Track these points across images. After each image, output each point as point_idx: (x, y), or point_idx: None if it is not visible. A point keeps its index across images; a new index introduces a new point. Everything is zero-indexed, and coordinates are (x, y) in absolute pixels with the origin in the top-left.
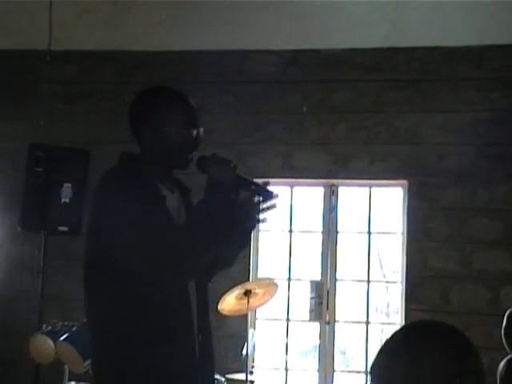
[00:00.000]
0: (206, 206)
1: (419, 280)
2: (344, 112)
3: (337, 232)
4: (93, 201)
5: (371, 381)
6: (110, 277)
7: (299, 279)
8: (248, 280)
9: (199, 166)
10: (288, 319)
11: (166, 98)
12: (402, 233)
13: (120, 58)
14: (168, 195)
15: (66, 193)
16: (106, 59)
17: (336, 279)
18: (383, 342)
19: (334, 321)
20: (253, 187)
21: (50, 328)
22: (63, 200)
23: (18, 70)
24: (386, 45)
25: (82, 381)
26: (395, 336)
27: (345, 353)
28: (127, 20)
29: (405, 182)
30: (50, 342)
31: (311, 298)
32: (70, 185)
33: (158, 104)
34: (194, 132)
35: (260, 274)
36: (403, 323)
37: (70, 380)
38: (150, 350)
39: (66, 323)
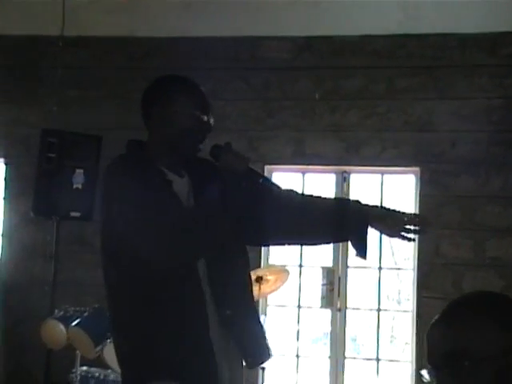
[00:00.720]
0: (217, 191)
1: (431, 267)
2: (356, 98)
3: None
4: (101, 189)
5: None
6: (121, 263)
7: (311, 266)
8: (259, 266)
9: (212, 154)
10: (299, 306)
11: (179, 84)
12: None
13: (133, 44)
14: (175, 180)
15: (79, 178)
16: (119, 45)
17: (347, 266)
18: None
19: (346, 308)
20: (261, 180)
21: (61, 313)
22: (75, 186)
23: (31, 55)
24: (399, 31)
25: (94, 366)
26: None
27: (356, 340)
28: (140, 6)
29: (417, 169)
30: (61, 327)
31: (322, 285)
32: (82, 170)
33: (171, 88)
34: (205, 117)
35: (271, 261)
36: (415, 311)
37: (81, 365)
38: (163, 333)
39: (77, 309)
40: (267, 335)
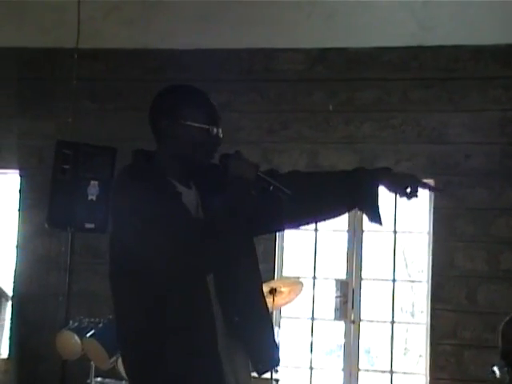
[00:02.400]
0: (227, 199)
1: (445, 279)
2: (370, 111)
3: (362, 231)
4: (111, 200)
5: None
6: (130, 275)
7: (325, 278)
8: (273, 278)
9: (222, 163)
10: (313, 318)
11: (189, 95)
12: (429, 232)
13: (147, 56)
14: (184, 192)
15: (93, 190)
16: (134, 57)
17: (361, 278)
18: None
19: (359, 320)
20: (271, 188)
21: (76, 324)
22: (90, 197)
23: (46, 67)
24: (413, 43)
25: (108, 377)
26: None
27: (369, 352)
28: (155, 18)
29: (431, 181)
30: (76, 338)
31: (336, 297)
32: (96, 182)
33: (180, 99)
34: (215, 129)
35: (285, 273)
36: (429, 323)
37: (96, 376)
38: (172, 344)
39: (92, 320)
40: (278, 343)
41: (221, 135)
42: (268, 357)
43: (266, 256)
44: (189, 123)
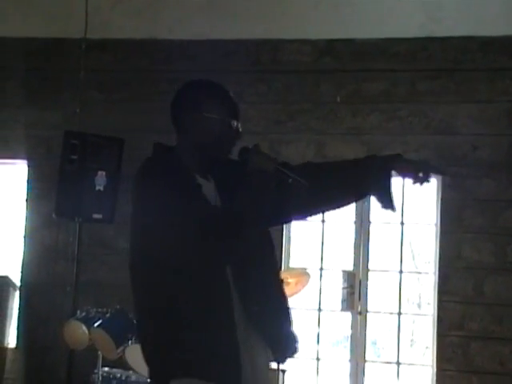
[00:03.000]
0: (247, 191)
1: (452, 271)
2: (378, 102)
3: (369, 222)
4: (133, 193)
5: None
6: (153, 264)
7: (331, 269)
8: (280, 269)
9: (241, 156)
10: (320, 309)
11: (210, 89)
12: (436, 224)
13: (155, 47)
14: (204, 184)
15: (100, 181)
16: (142, 48)
17: (368, 269)
18: None
19: (366, 311)
20: (290, 180)
21: (84, 314)
22: (97, 188)
23: (54, 58)
24: (421, 34)
25: (116, 367)
26: None
27: (376, 343)
28: (163, 9)
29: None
30: (84, 328)
31: (343, 288)
32: (104, 173)
33: (202, 93)
34: (235, 123)
35: (292, 264)
36: (436, 315)
37: (103, 366)
38: (191, 332)
39: (99, 310)
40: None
41: (240, 129)
42: (287, 346)
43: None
44: (210, 116)
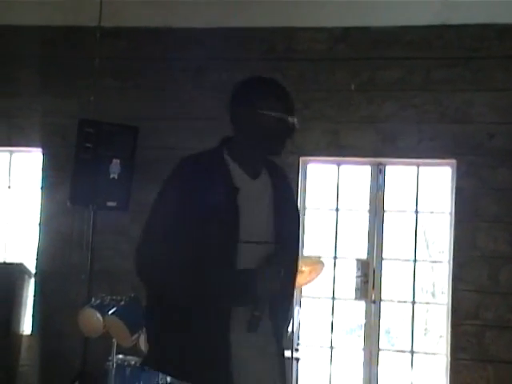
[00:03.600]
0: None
1: (467, 260)
2: (393, 90)
3: (384, 211)
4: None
5: None
6: (152, 259)
7: (345, 258)
8: (296, 261)
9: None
10: (334, 297)
11: (269, 86)
12: (451, 212)
13: (170, 35)
14: (245, 183)
15: (115, 168)
16: (156, 36)
17: (382, 258)
18: None
19: (380, 300)
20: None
21: (98, 302)
22: (112, 176)
23: (69, 46)
24: (436, 22)
25: (130, 354)
26: None
27: (389, 332)
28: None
29: (454, 161)
30: (98, 315)
31: (357, 277)
32: (118, 161)
33: (261, 89)
34: (291, 119)
35: (306, 252)
36: (450, 304)
37: (117, 353)
38: (181, 333)
39: (114, 297)
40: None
41: (297, 125)
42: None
43: None
44: (267, 112)
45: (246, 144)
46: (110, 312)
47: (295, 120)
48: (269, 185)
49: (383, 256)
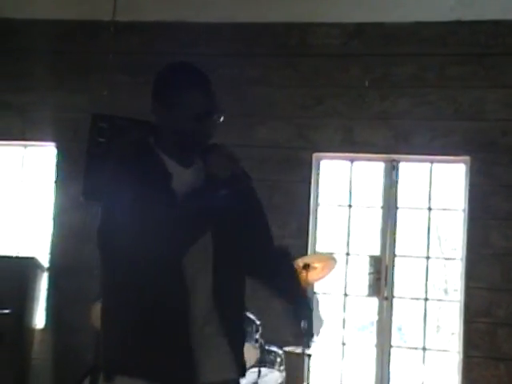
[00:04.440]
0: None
1: (480, 258)
2: (406, 86)
3: (396, 208)
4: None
5: None
6: (106, 248)
7: (358, 254)
8: (306, 254)
9: (205, 153)
10: (346, 294)
11: (185, 79)
12: (464, 210)
13: (183, 30)
14: (177, 172)
15: None
16: (169, 30)
17: (395, 255)
18: None
19: (392, 296)
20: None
21: None
22: None
23: (82, 40)
24: (451, 18)
25: None
26: None
27: (401, 329)
28: None
29: (467, 158)
30: None
31: (369, 273)
32: None
33: (176, 83)
34: (207, 120)
35: (319, 248)
36: (463, 301)
37: None
38: (136, 327)
39: None
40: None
41: (216, 123)
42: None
43: (299, 232)
44: (178, 111)
45: (166, 134)
46: None
47: (214, 120)
48: (203, 173)
49: (396, 253)
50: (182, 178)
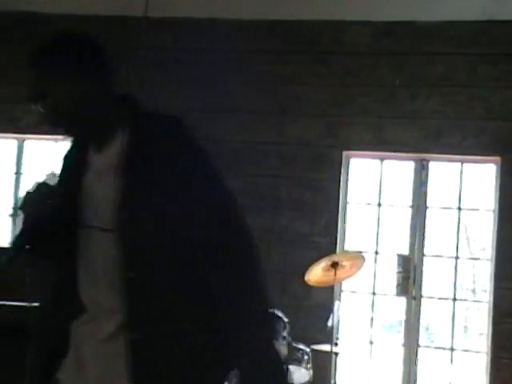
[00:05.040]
0: None
1: (509, 258)
2: (437, 85)
3: (426, 207)
4: None
5: None
6: None
7: (387, 253)
8: (335, 252)
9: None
10: (374, 293)
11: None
12: (494, 210)
13: (214, 26)
14: (94, 159)
15: None
16: (201, 27)
17: (424, 254)
18: None
19: (420, 296)
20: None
21: None
22: None
23: (114, 36)
24: (482, 17)
25: None
26: None
27: (428, 329)
28: None
29: (498, 158)
30: None
31: (398, 273)
32: None
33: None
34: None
35: (347, 247)
36: (492, 302)
37: None
38: None
39: None
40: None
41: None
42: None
43: (328, 230)
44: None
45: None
46: None
47: (41, 105)
48: (123, 154)
49: (424, 252)
50: (95, 164)
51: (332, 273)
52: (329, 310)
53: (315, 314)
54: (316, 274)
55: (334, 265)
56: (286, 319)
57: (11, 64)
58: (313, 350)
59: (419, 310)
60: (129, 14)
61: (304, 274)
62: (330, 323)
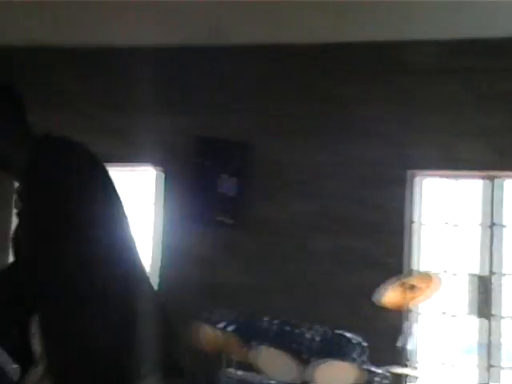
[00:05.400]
0: None
1: None
2: (508, 102)
3: (503, 226)
4: None
5: None
6: None
7: (464, 273)
8: (401, 273)
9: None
10: (452, 314)
11: None
12: None
13: (277, 52)
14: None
15: (231, 186)
16: (264, 53)
17: (503, 274)
18: None
19: (501, 317)
20: None
21: (212, 316)
22: (229, 194)
23: (180, 65)
24: None
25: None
26: None
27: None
28: (286, 12)
29: None
30: (212, 330)
31: (475, 293)
32: (235, 178)
33: None
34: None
35: (423, 268)
36: None
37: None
38: None
39: (229, 313)
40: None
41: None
42: None
43: (394, 250)
44: None
45: None
46: (226, 327)
47: None
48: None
49: (503, 271)
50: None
51: (405, 295)
52: (401, 331)
53: (390, 337)
54: (389, 295)
55: (411, 288)
56: (364, 343)
57: None
58: (391, 374)
59: (499, 331)
60: (193, 42)
61: (375, 296)
62: (402, 344)
